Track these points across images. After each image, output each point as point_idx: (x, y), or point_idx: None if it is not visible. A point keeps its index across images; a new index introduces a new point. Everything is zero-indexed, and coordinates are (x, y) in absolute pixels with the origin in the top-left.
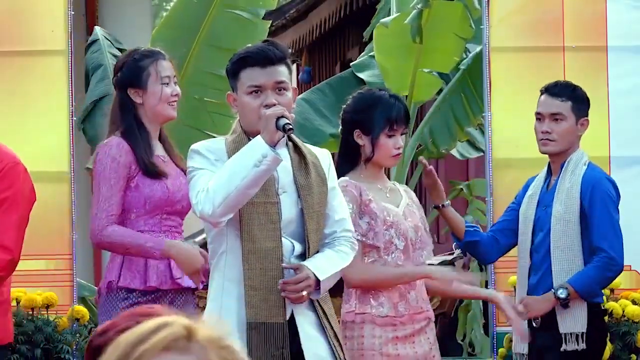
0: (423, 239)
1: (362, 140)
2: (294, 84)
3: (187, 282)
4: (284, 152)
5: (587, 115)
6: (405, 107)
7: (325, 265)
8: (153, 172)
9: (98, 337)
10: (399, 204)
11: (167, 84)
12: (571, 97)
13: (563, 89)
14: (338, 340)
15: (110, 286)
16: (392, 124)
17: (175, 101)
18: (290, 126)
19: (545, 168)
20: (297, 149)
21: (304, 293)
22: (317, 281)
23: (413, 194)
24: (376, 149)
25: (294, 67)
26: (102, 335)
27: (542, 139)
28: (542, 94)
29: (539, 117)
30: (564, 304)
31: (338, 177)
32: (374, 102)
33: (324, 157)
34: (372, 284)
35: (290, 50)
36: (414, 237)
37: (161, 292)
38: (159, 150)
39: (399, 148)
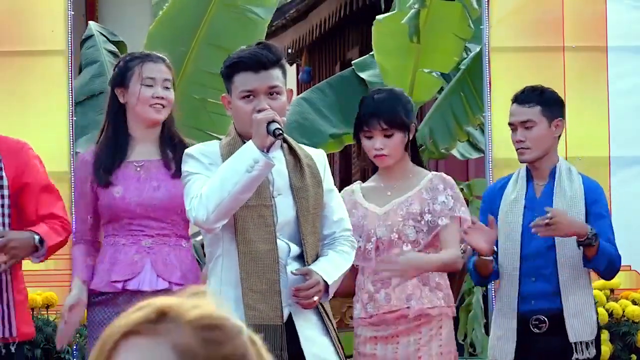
0: (404, 237)
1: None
2: (294, 84)
3: (133, 285)
4: (278, 155)
5: (561, 116)
6: (384, 108)
7: (331, 269)
8: (101, 182)
9: None
10: (389, 203)
11: (150, 85)
12: (539, 101)
13: (529, 94)
14: (340, 341)
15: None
16: (362, 126)
17: (158, 104)
18: (280, 131)
19: (523, 172)
20: (292, 151)
21: (315, 298)
22: (326, 285)
23: (434, 182)
24: (363, 150)
25: (293, 67)
26: None
27: (518, 149)
28: (512, 103)
29: (512, 127)
30: (586, 243)
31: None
32: (360, 103)
33: (319, 158)
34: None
35: (289, 51)
36: (383, 235)
37: (115, 294)
38: (139, 153)
39: (377, 149)
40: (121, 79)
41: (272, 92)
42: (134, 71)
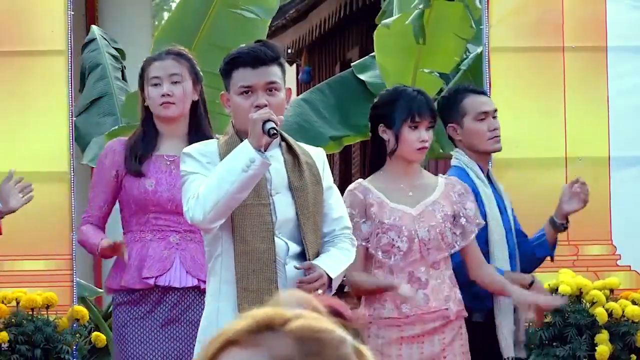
0: (445, 239)
1: (386, 134)
2: (294, 84)
3: (164, 281)
4: (276, 153)
5: None
6: (429, 100)
7: (334, 264)
8: (133, 171)
9: None
10: (419, 203)
11: (157, 84)
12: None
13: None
14: None
15: (106, 288)
16: (414, 115)
17: (165, 102)
18: (275, 131)
19: (475, 169)
20: (290, 149)
21: (319, 292)
22: (329, 280)
23: (457, 187)
24: (400, 142)
25: (293, 67)
26: None
27: (493, 137)
28: (464, 96)
29: (484, 116)
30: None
31: (367, 177)
32: (397, 95)
33: (318, 156)
34: (353, 288)
35: (289, 51)
36: (426, 237)
37: (146, 291)
38: (170, 149)
39: (423, 141)
40: (140, 83)
41: (270, 88)
42: (145, 73)
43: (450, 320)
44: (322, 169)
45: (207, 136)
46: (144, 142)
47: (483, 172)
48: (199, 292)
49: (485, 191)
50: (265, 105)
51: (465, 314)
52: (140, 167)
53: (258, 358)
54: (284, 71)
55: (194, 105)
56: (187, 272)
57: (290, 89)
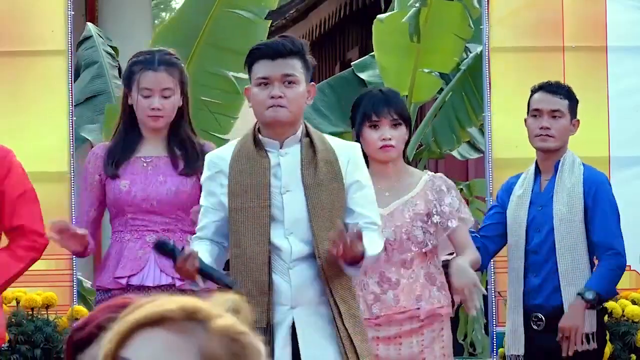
0: (413, 238)
1: (356, 138)
2: None
3: (137, 280)
4: (295, 149)
5: (577, 117)
6: (391, 98)
7: (370, 245)
8: (109, 174)
9: (77, 332)
10: (392, 203)
11: (147, 96)
12: (567, 96)
13: (560, 87)
14: (351, 341)
15: (94, 287)
16: (370, 115)
17: (154, 115)
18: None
19: (532, 168)
20: (312, 145)
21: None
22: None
23: (437, 183)
24: (363, 144)
25: None
26: (80, 330)
27: (540, 135)
28: (535, 92)
29: (537, 113)
30: (592, 306)
31: None
32: (359, 99)
33: (344, 152)
34: None
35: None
36: (391, 237)
37: (120, 291)
38: (148, 150)
39: (384, 139)
40: (127, 82)
41: (287, 80)
42: (134, 78)
43: (426, 321)
44: (347, 164)
45: (185, 138)
46: (125, 146)
47: (540, 169)
48: (174, 290)
49: (517, 191)
50: (280, 97)
51: (445, 311)
52: (116, 170)
53: (186, 346)
54: (307, 66)
55: (177, 110)
56: (161, 270)
57: (314, 85)
